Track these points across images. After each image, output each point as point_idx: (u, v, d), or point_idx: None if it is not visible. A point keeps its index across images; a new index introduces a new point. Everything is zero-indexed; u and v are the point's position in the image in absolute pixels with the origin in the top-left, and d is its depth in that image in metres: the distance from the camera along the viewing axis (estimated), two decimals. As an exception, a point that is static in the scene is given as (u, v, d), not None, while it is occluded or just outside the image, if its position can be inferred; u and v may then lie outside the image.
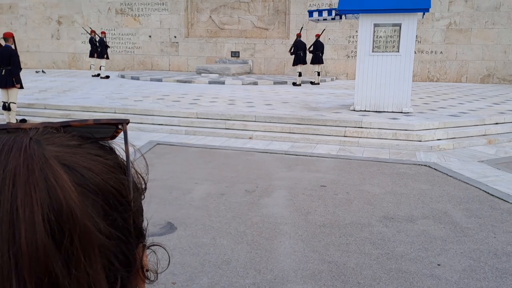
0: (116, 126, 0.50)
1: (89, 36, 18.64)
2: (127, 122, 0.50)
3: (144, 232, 0.51)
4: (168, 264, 0.59)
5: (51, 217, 0.38)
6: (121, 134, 0.51)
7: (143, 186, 0.53)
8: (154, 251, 0.56)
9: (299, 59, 16.73)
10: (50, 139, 0.43)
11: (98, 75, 18.43)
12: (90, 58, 18.82)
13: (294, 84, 16.86)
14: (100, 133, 0.49)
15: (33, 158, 0.39)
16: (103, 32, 18.92)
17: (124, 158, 0.52)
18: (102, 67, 18.13)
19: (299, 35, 17.08)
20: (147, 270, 0.51)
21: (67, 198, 0.39)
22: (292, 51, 16.92)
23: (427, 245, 4.39)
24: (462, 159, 7.66)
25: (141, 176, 0.53)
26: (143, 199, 0.54)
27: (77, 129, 0.47)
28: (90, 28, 19.85)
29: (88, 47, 19.16)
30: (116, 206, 0.44)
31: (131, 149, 0.51)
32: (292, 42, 18.28)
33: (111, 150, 0.49)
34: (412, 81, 17.14)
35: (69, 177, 0.40)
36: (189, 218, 4.96)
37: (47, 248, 0.37)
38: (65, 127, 0.46)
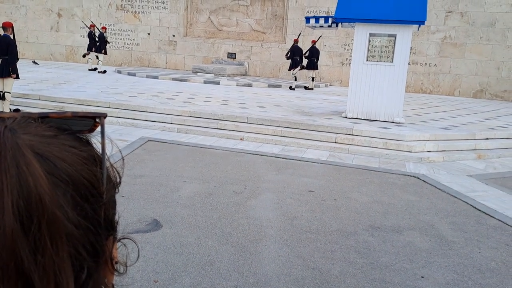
0: (94, 120, 0.49)
1: (88, 30, 18.55)
2: (104, 116, 0.50)
3: (116, 225, 0.51)
4: (137, 258, 0.58)
5: (20, 203, 0.38)
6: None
7: (118, 180, 0.53)
8: (124, 244, 0.55)
9: (295, 64, 16.80)
10: (26, 128, 0.44)
11: (95, 69, 18.34)
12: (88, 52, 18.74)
13: (290, 88, 16.92)
14: (78, 125, 0.49)
15: (6, 145, 0.40)
16: (103, 27, 18.83)
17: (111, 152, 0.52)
18: (99, 62, 18.04)
19: (296, 41, 17.14)
20: (116, 262, 0.51)
21: (37, 186, 0.39)
22: (288, 55, 16.98)
23: (412, 257, 4.40)
24: (451, 172, 7.70)
25: (116, 170, 0.53)
26: (117, 192, 0.54)
27: (55, 121, 0.47)
28: (91, 22, 19.74)
29: (86, 41, 19.08)
30: (87, 197, 0.44)
31: (109, 143, 0.51)
32: (288, 47, 18.35)
33: (87, 143, 0.49)
34: (405, 92, 17.23)
35: (41, 165, 0.41)
36: (175, 217, 4.94)
37: (14, 233, 0.38)
38: (43, 118, 0.47)
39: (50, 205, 0.39)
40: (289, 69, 17.19)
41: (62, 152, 0.44)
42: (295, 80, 16.99)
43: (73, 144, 0.46)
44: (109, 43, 19.02)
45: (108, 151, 0.54)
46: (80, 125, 0.49)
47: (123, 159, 0.57)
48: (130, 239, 0.55)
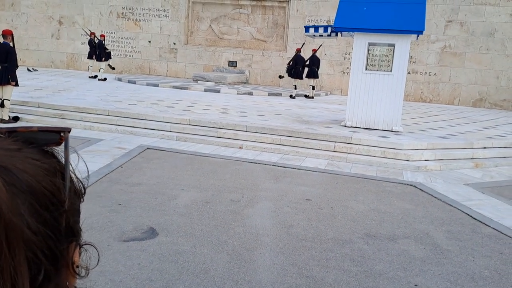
0: (59, 134, 0.54)
1: (89, 37, 18.72)
2: (68, 130, 0.55)
3: (78, 232, 0.55)
4: (97, 263, 0.63)
5: None
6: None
7: (82, 191, 0.58)
8: (86, 250, 0.60)
9: (296, 74, 16.85)
10: None
11: (95, 76, 18.45)
12: (88, 60, 18.89)
13: (291, 96, 16.99)
14: (45, 139, 0.54)
15: None
16: (102, 35, 18.99)
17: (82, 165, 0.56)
18: (101, 70, 18.16)
19: (298, 50, 17.21)
20: (77, 266, 0.55)
21: None
22: (290, 64, 17.04)
23: (406, 265, 4.43)
24: (448, 181, 7.73)
25: (81, 181, 0.58)
26: (82, 201, 0.58)
27: (23, 135, 0.52)
28: (90, 30, 19.90)
29: (87, 48, 19.23)
30: (47, 206, 0.48)
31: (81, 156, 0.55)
32: (289, 56, 18.44)
33: (52, 155, 0.54)
34: (405, 101, 17.33)
35: (1, 177, 0.45)
36: (171, 225, 4.97)
37: None
38: (11, 132, 0.52)
39: (8, 212, 0.43)
40: (289, 76, 17.31)
41: (25, 164, 0.48)
42: (295, 88, 17.05)
43: (36, 156, 0.50)
44: (108, 50, 19.13)
45: (74, 163, 0.59)
46: (47, 139, 0.53)
47: (88, 169, 0.62)
48: (92, 245, 0.60)
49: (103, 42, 18.49)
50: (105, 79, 18.09)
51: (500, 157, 9.32)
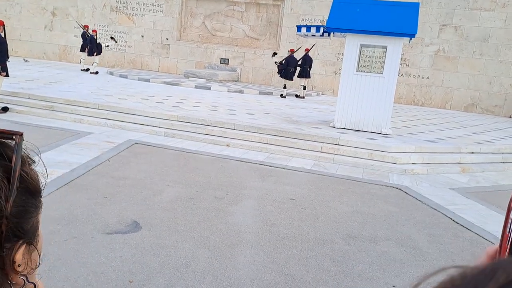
0: (12, 137, 0.55)
1: (82, 30, 18.62)
2: (20, 134, 0.56)
3: (28, 230, 0.57)
4: (39, 263, 0.64)
5: None
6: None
7: (38, 189, 0.59)
8: (38, 251, 0.61)
9: (287, 75, 16.82)
10: None
11: (87, 69, 18.36)
12: (81, 52, 18.79)
13: (282, 96, 16.99)
14: None
15: None
16: (94, 30, 18.90)
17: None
18: (94, 63, 18.06)
19: (292, 51, 17.16)
20: (19, 265, 0.56)
21: None
22: (282, 62, 16.99)
23: (385, 266, 4.47)
24: (434, 185, 7.79)
25: (35, 181, 0.59)
26: (41, 209, 0.60)
27: None
28: (83, 24, 19.78)
29: (80, 40, 19.13)
30: None
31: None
32: (282, 55, 18.42)
33: (2, 158, 0.55)
34: (397, 103, 17.44)
35: None
36: (155, 219, 4.98)
37: None
38: None
39: None
40: (280, 76, 17.26)
41: None
42: (284, 87, 17.05)
43: None
44: (101, 44, 19.02)
45: (37, 162, 0.61)
46: None
47: (46, 170, 0.63)
48: (34, 246, 0.61)
49: (95, 37, 18.40)
50: (96, 72, 18.01)
51: (487, 163, 9.40)
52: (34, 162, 0.60)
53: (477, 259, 0.57)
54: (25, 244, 0.57)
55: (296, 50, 17.27)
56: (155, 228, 4.77)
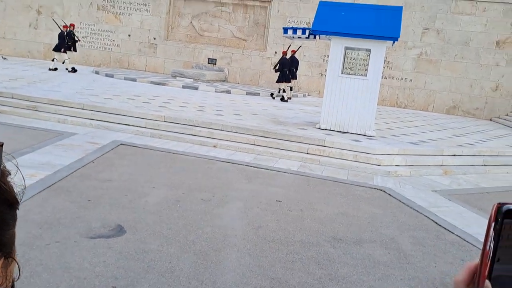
0: None
1: (68, 29, 18.24)
2: (1, 144, 0.57)
3: (5, 243, 0.58)
4: (19, 276, 0.65)
5: None
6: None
7: (16, 201, 0.60)
8: (17, 262, 0.62)
9: (284, 77, 16.77)
10: None
11: (73, 69, 18.06)
12: (66, 52, 18.30)
13: (282, 99, 16.69)
14: None
15: None
16: (72, 24, 18.53)
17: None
18: (66, 60, 17.68)
19: (284, 53, 17.15)
20: None
21: None
22: (277, 68, 16.95)
23: (369, 269, 4.52)
24: (417, 187, 7.89)
25: (12, 192, 0.60)
26: (18, 210, 0.61)
27: None
28: (65, 23, 19.41)
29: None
30: None
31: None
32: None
33: None
34: (381, 105, 17.57)
35: None
36: (140, 223, 4.96)
37: None
38: None
39: None
40: (277, 82, 17.12)
41: None
42: (279, 91, 16.93)
43: None
44: (79, 41, 18.76)
45: (13, 172, 0.61)
46: None
47: (24, 179, 0.64)
48: (14, 259, 0.62)
49: (72, 32, 18.07)
50: (74, 69, 17.67)
51: (468, 165, 9.55)
52: (10, 174, 0.60)
53: (458, 274, 0.60)
54: (3, 258, 0.57)
55: (287, 50, 17.22)
56: (140, 232, 4.75)
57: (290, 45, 17.81)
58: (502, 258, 0.54)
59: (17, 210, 0.62)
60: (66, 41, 17.73)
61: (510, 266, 0.55)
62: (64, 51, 17.69)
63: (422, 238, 5.52)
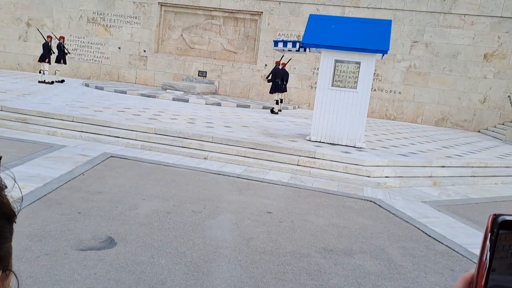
0: None
1: (58, 42, 18.24)
2: None
3: (3, 257, 0.59)
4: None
5: None
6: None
7: (14, 214, 0.61)
8: (14, 273, 0.63)
9: (277, 87, 16.85)
10: None
11: (63, 81, 18.05)
12: (56, 64, 18.21)
13: (272, 111, 16.78)
14: None
15: None
16: (62, 37, 18.56)
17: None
18: (45, 71, 17.47)
19: (278, 63, 17.25)
20: None
21: None
22: (270, 78, 17.01)
23: (360, 280, 4.53)
24: (407, 198, 7.95)
25: (10, 206, 0.61)
26: (15, 223, 0.62)
27: None
28: (52, 33, 19.40)
29: (54, 52, 18.79)
30: None
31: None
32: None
33: None
34: (370, 117, 17.73)
35: None
36: (130, 235, 4.94)
37: None
38: None
39: None
40: (271, 92, 17.16)
41: None
42: (277, 103, 16.94)
43: None
44: (69, 53, 18.80)
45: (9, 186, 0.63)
46: None
47: (21, 192, 0.66)
48: (13, 273, 0.63)
49: (62, 44, 18.08)
50: (52, 82, 17.61)
51: (457, 176, 9.64)
52: (6, 187, 0.60)
53: (454, 285, 0.62)
54: (1, 271, 0.58)
55: (280, 60, 17.25)
56: (131, 244, 4.74)
57: (282, 56, 17.92)
58: (498, 268, 0.55)
59: (14, 224, 0.62)
60: (51, 52, 17.64)
61: (505, 276, 0.55)
62: (49, 62, 17.56)
63: (412, 248, 5.55)
